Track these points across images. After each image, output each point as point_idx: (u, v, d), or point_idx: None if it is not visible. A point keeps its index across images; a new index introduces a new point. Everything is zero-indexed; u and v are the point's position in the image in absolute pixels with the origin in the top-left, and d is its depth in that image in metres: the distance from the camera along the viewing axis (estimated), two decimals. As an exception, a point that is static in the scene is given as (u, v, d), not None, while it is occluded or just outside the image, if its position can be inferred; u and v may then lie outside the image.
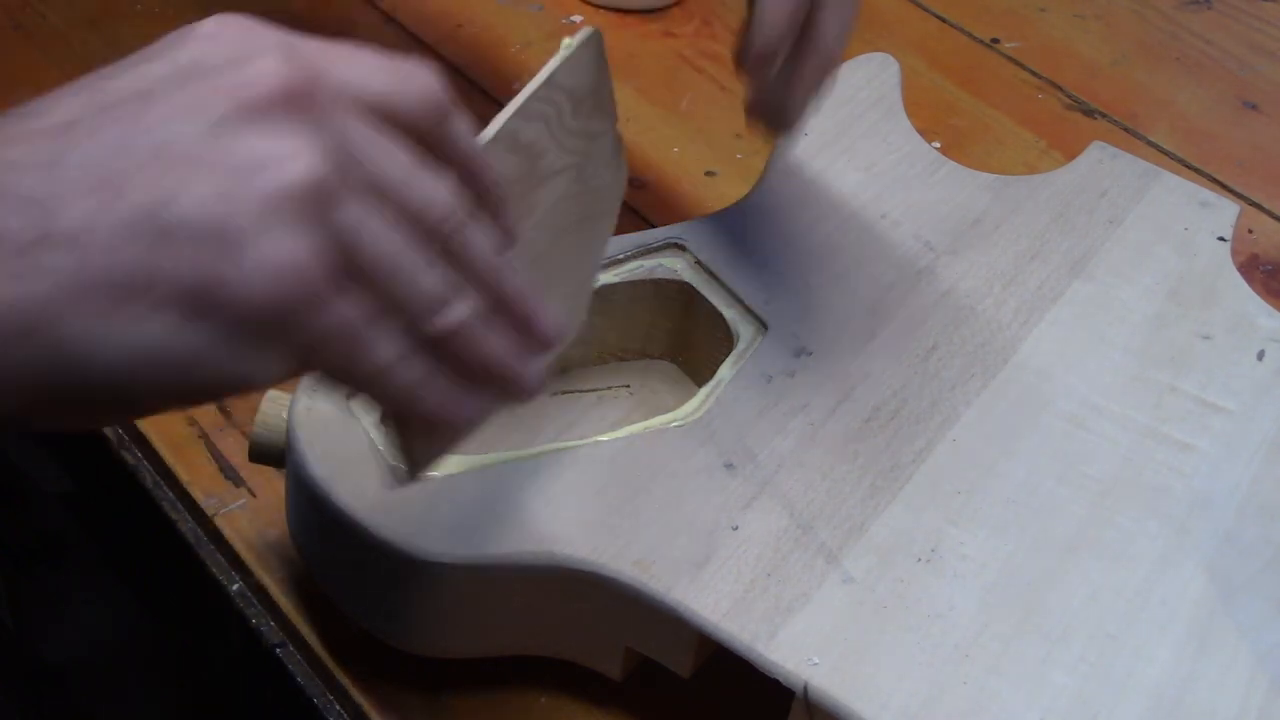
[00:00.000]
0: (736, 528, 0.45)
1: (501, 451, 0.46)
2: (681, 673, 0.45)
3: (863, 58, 0.66)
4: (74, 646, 0.82)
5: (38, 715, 0.69)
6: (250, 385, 0.33)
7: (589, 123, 0.44)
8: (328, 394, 0.46)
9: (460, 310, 0.35)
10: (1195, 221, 0.60)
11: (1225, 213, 0.60)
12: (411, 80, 0.34)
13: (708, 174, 0.69)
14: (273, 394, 0.48)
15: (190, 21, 0.72)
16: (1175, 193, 0.61)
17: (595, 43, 0.44)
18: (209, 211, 0.31)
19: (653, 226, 0.60)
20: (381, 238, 0.33)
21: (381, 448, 0.45)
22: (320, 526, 0.45)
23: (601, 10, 0.78)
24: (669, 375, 0.56)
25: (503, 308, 0.37)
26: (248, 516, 0.52)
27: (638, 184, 0.67)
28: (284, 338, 0.32)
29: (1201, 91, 0.78)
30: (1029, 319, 0.54)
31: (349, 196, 0.32)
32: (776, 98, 0.49)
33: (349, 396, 0.46)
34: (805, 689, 0.41)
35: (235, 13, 0.35)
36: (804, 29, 0.47)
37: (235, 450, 0.54)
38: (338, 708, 0.47)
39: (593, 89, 0.45)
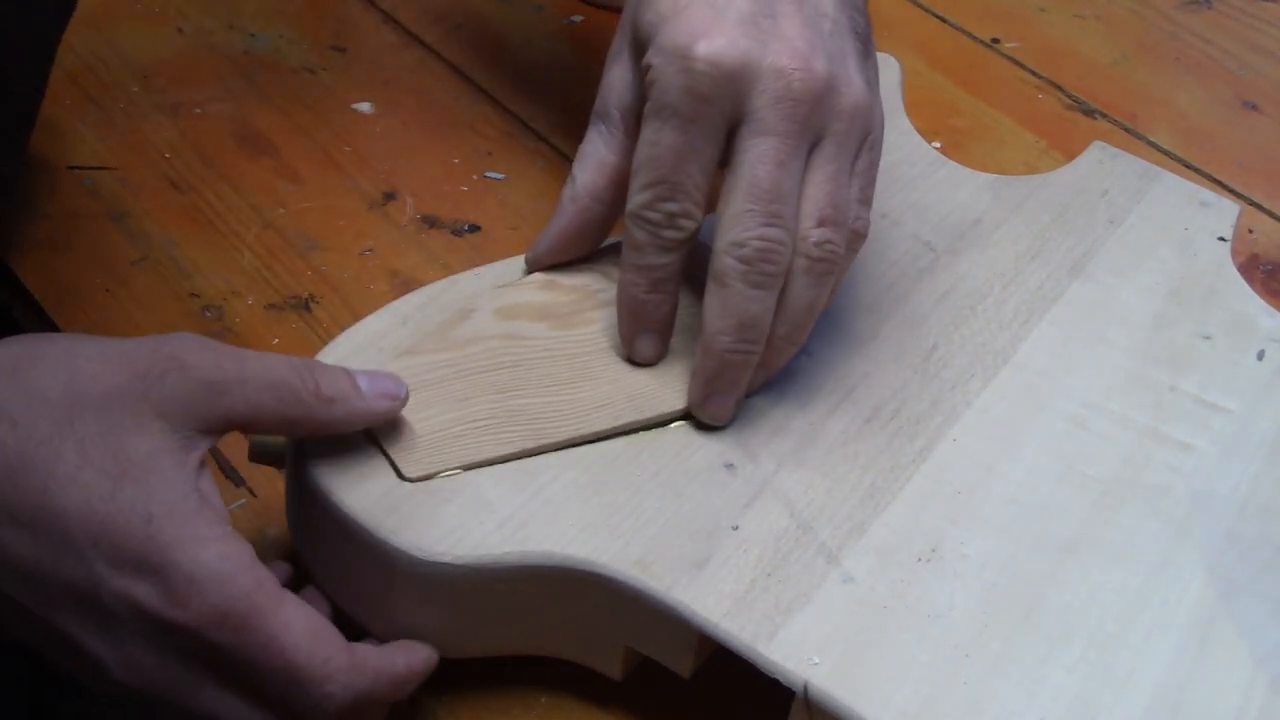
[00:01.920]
0: (737, 528, 0.45)
1: (502, 451, 0.46)
2: (682, 673, 0.45)
3: (863, 58, 0.66)
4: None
5: (49, 717, 0.69)
6: None
7: None
8: None
9: None
10: (1195, 221, 0.60)
11: (1225, 213, 0.60)
12: None
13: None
14: (273, 394, 0.48)
15: (186, 21, 0.72)
16: (1175, 193, 0.61)
17: None
18: None
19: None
20: None
21: (382, 444, 0.45)
22: (320, 526, 0.45)
23: (602, 10, 0.78)
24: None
25: None
26: (248, 516, 0.52)
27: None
28: None
29: (1201, 91, 0.78)
30: (1029, 319, 0.54)
31: None
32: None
33: None
34: (805, 689, 0.41)
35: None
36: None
37: (235, 450, 0.54)
38: (338, 708, 0.47)
39: None
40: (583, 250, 0.52)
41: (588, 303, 0.51)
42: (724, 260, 0.46)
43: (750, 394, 0.49)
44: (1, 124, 0.56)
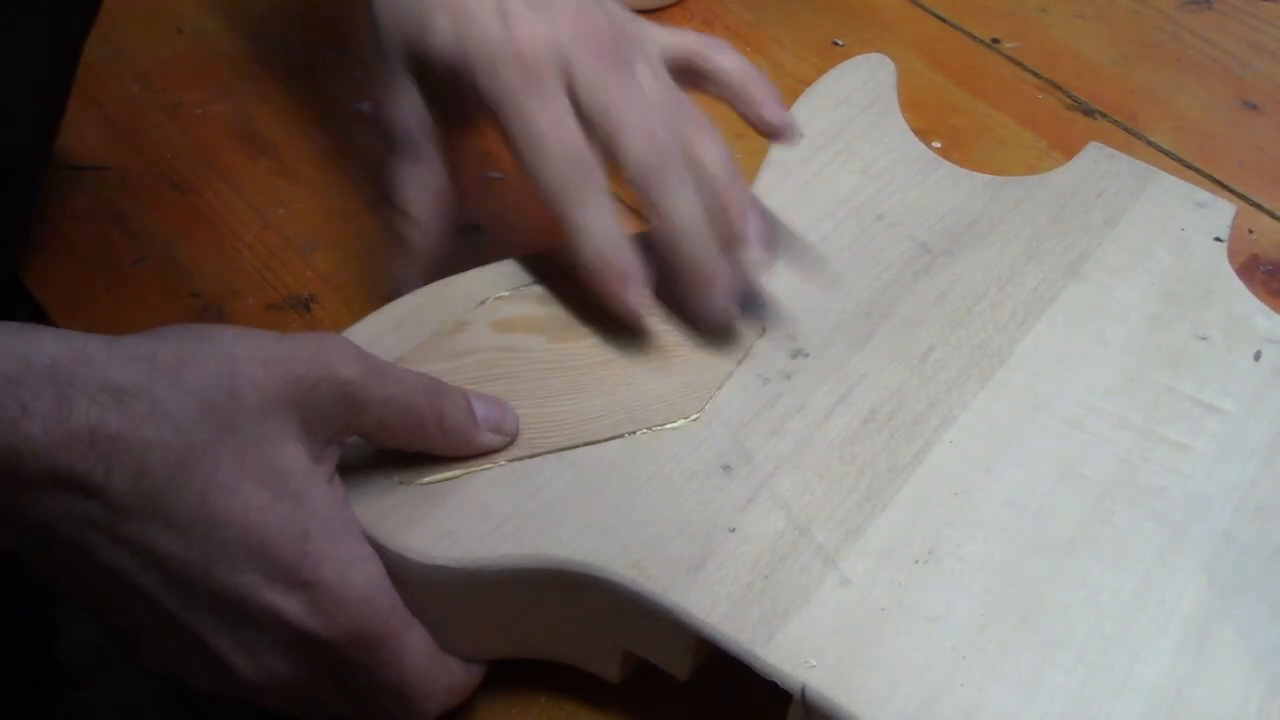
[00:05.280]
0: (734, 530, 0.45)
1: (499, 454, 0.46)
2: (679, 675, 0.45)
3: (859, 58, 0.66)
4: (85, 647, 0.82)
5: (49, 716, 0.69)
6: None
7: None
8: None
9: None
10: (1192, 222, 0.60)
11: (1222, 213, 0.60)
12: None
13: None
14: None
15: (186, 21, 0.72)
16: (1171, 193, 0.61)
17: None
18: None
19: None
20: None
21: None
22: (318, 528, 0.45)
23: (601, 10, 0.77)
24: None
25: None
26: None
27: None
28: None
29: (1201, 91, 0.78)
30: (1026, 320, 0.54)
31: None
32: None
33: None
34: (803, 691, 0.42)
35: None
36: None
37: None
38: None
39: None
40: (436, 275, 0.53)
41: (585, 316, 0.51)
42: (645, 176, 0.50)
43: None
44: (30, 129, 0.56)
